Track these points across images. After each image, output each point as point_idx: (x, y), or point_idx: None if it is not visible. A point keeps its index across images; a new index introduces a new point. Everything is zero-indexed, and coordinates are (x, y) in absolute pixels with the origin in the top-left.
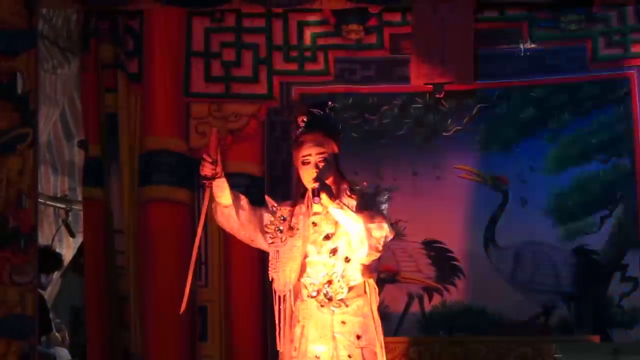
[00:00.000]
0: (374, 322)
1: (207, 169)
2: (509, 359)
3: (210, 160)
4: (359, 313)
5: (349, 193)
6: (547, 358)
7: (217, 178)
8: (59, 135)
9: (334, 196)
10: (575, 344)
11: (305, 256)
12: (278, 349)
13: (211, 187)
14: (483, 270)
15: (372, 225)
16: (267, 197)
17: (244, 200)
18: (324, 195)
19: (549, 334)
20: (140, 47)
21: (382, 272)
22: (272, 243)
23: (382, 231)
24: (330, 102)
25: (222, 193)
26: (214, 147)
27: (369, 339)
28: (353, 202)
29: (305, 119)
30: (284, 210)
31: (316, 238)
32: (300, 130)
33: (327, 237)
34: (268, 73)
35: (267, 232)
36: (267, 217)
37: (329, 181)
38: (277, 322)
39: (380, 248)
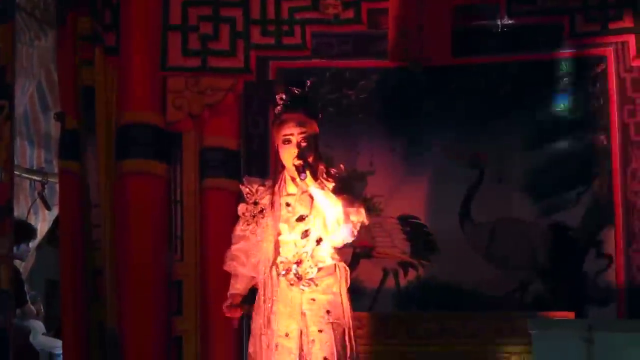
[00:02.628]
0: (342, 304)
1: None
2: (484, 334)
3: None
4: (328, 291)
5: (325, 176)
6: (522, 334)
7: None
8: (36, 108)
9: (316, 176)
10: (550, 320)
11: (278, 234)
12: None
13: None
14: (459, 246)
15: (351, 210)
16: (243, 184)
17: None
18: (309, 174)
19: (524, 310)
20: (118, 20)
21: (358, 248)
22: (250, 230)
23: (359, 216)
24: (308, 81)
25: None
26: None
27: (337, 315)
28: (330, 185)
29: (284, 97)
30: (260, 194)
31: (289, 218)
32: (279, 108)
33: (301, 219)
34: (245, 47)
35: (244, 221)
36: (241, 208)
37: (311, 160)
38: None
39: (356, 233)
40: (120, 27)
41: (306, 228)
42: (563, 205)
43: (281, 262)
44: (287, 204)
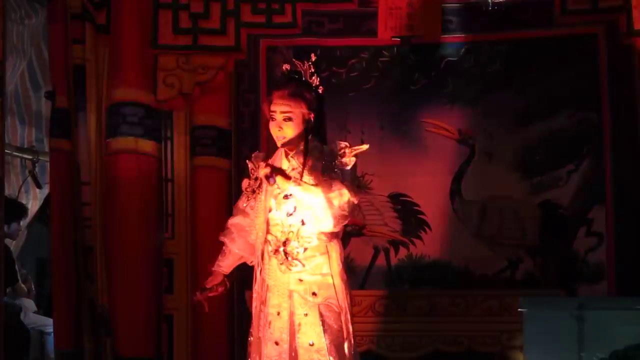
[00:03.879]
0: (335, 285)
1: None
2: (475, 312)
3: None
4: (316, 272)
5: (317, 154)
6: (512, 311)
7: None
8: (26, 86)
9: (288, 176)
10: (541, 298)
11: (269, 210)
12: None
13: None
14: (449, 224)
15: (331, 195)
16: (251, 159)
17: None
18: (278, 178)
19: (514, 288)
20: None
21: (349, 226)
22: (249, 206)
23: (342, 198)
24: (313, 55)
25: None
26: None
27: (326, 296)
28: (348, 160)
29: (288, 67)
30: (260, 169)
31: (277, 194)
32: (279, 78)
33: (287, 197)
34: (236, 25)
35: (245, 196)
36: (244, 183)
37: (294, 141)
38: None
39: (347, 214)
40: (111, 5)
41: (292, 206)
42: (553, 184)
43: (272, 241)
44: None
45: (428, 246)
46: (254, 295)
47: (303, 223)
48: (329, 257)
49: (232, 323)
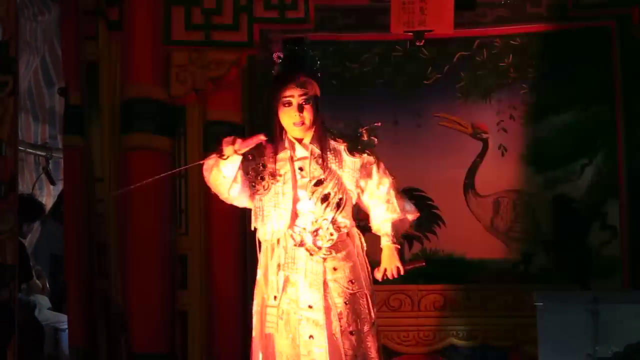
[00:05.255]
0: (362, 270)
1: (227, 150)
2: (489, 307)
3: (235, 146)
4: (349, 258)
5: (334, 137)
6: (527, 306)
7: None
8: (40, 83)
9: (322, 138)
10: (555, 292)
11: (295, 202)
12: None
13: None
14: (463, 219)
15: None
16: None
17: (240, 174)
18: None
19: (528, 282)
20: None
21: (362, 221)
22: (256, 191)
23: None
24: (305, 37)
25: (231, 165)
26: (248, 145)
27: (360, 284)
28: (341, 147)
29: (281, 55)
30: (266, 158)
31: (305, 183)
32: (277, 67)
33: (319, 183)
34: (248, 21)
35: (249, 181)
36: (247, 166)
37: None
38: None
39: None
40: (123, 1)
41: (326, 192)
42: (567, 177)
43: (299, 232)
44: (300, 169)
45: (442, 241)
46: (259, 290)
47: (339, 206)
48: (354, 244)
49: (247, 319)
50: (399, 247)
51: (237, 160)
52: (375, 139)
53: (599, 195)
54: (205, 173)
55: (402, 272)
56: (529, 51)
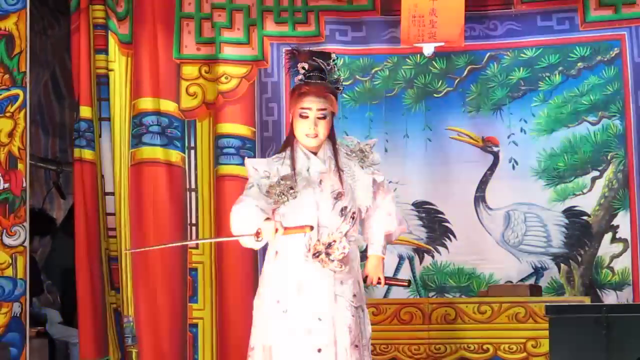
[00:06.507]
0: (360, 284)
1: (268, 236)
2: (500, 320)
3: (279, 233)
4: (352, 272)
5: (346, 152)
6: (538, 319)
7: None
8: (50, 97)
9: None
10: (566, 305)
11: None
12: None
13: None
14: (474, 232)
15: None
16: (253, 165)
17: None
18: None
19: (539, 295)
20: (131, 7)
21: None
22: (277, 208)
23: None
24: (333, 54)
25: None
26: (292, 232)
27: (361, 298)
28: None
29: (306, 66)
30: (281, 170)
31: (325, 196)
32: (300, 77)
33: (339, 196)
34: (259, 34)
35: (271, 198)
36: (264, 185)
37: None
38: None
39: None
40: (133, 15)
41: (344, 205)
42: (578, 190)
43: (313, 244)
44: (320, 181)
45: (453, 254)
46: (262, 301)
47: (353, 217)
48: (355, 259)
49: None
50: (384, 257)
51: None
52: (379, 156)
53: (610, 208)
54: (233, 219)
55: (382, 285)
56: (539, 64)
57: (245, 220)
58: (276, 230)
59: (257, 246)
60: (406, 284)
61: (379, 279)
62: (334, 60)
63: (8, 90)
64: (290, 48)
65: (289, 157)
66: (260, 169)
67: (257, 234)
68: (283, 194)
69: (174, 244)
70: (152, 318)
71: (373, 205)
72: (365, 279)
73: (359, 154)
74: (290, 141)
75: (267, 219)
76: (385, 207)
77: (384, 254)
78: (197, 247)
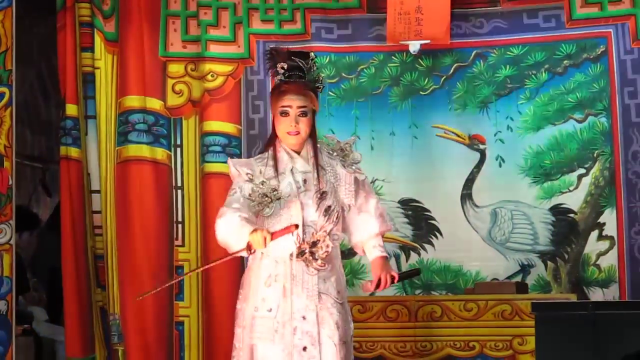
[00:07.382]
0: (342, 281)
1: (259, 246)
2: (486, 317)
3: (267, 241)
4: (335, 270)
5: (328, 152)
6: (524, 316)
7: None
8: (36, 95)
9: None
10: (552, 303)
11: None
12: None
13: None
14: (460, 229)
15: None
16: (235, 167)
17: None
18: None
19: (525, 293)
20: (117, 5)
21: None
22: (262, 210)
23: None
24: (312, 53)
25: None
26: (279, 236)
27: (343, 295)
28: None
29: (285, 66)
30: (265, 171)
31: (309, 196)
32: (279, 77)
33: (324, 195)
34: (245, 32)
35: (253, 202)
36: (247, 188)
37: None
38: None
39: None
40: (119, 13)
41: (328, 204)
42: (564, 188)
43: (297, 244)
44: (304, 181)
45: (439, 251)
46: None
47: (337, 217)
48: (338, 257)
49: None
50: (387, 255)
51: None
52: (360, 154)
53: (596, 206)
54: (219, 235)
55: (395, 281)
56: (525, 61)
57: (232, 235)
58: (264, 239)
59: (248, 255)
60: (417, 272)
61: (392, 277)
62: (312, 60)
63: None
64: (269, 48)
65: (271, 157)
66: (242, 172)
67: (249, 248)
68: (266, 196)
69: (177, 280)
70: (139, 316)
71: (355, 203)
72: (378, 283)
73: (340, 152)
74: (272, 140)
75: (254, 230)
76: (372, 208)
77: (385, 252)
78: (183, 244)
